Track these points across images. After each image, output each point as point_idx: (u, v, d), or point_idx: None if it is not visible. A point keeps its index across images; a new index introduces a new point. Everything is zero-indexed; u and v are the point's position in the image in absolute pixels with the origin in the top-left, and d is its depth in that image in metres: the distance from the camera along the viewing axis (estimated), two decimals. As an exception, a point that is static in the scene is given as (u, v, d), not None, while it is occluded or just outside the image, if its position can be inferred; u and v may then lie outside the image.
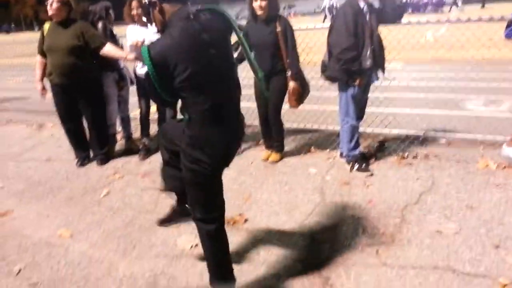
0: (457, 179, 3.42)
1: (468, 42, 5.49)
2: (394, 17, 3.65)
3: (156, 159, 4.20)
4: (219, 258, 2.19)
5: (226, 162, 2.10)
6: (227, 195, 3.39)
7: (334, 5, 27.67)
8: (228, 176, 3.80)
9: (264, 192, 3.48)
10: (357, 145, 3.79)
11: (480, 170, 3.55)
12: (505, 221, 2.77)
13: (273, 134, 4.06)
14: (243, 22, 3.97)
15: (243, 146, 4.47)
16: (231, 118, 2.05)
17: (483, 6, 30.99)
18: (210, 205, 2.10)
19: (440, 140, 4.30)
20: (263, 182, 3.66)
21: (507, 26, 3.05)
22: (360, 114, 3.80)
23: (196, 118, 1.93)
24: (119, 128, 4.78)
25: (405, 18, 3.88)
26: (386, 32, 3.66)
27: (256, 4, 3.66)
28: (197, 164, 1.95)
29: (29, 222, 3.26)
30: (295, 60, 3.76)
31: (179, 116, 2.14)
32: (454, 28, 4.41)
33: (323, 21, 23.68)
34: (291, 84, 3.75)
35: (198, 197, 2.08)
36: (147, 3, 1.92)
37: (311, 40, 5.09)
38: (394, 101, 5.74)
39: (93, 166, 4.33)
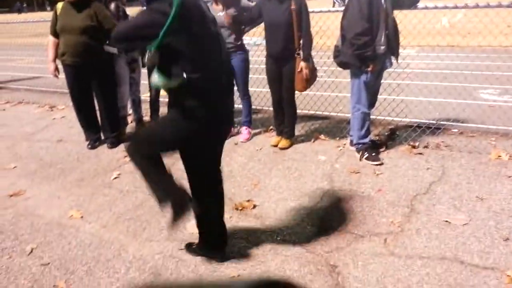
0: (468, 169, 3.39)
1: (486, 29, 5.36)
2: (411, 1, 3.56)
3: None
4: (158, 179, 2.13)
5: (220, 127, 2.18)
6: (236, 180, 3.45)
7: None
8: (238, 161, 3.83)
9: (273, 178, 3.48)
10: (367, 133, 3.76)
11: (492, 161, 3.51)
12: (516, 213, 2.75)
13: (286, 119, 4.05)
14: None
15: (253, 131, 4.46)
16: (224, 96, 2.16)
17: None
18: (207, 178, 2.24)
19: (452, 129, 4.24)
20: (272, 168, 3.66)
21: None
22: (372, 101, 3.76)
23: (194, 77, 1.92)
24: (130, 110, 4.80)
25: (421, 3, 3.78)
26: (401, 16, 3.58)
27: None
28: (194, 115, 2.00)
29: (41, 202, 3.32)
30: (309, 42, 3.71)
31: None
32: (472, 14, 4.28)
33: (333, 5, 23.40)
34: (303, 65, 3.71)
35: (164, 139, 2.10)
36: None
37: (325, 23, 5.01)
38: (407, 88, 5.66)
39: (103, 148, 4.37)
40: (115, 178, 3.65)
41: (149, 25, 1.86)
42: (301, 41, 3.67)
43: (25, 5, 60.04)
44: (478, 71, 6.64)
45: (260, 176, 3.54)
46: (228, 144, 4.25)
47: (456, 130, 4.22)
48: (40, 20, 7.10)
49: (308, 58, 3.72)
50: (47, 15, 4.50)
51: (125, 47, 3.77)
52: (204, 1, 2.12)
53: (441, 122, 4.41)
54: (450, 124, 4.36)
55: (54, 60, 4.23)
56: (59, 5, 4.07)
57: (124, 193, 3.39)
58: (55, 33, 4.10)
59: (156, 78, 1.92)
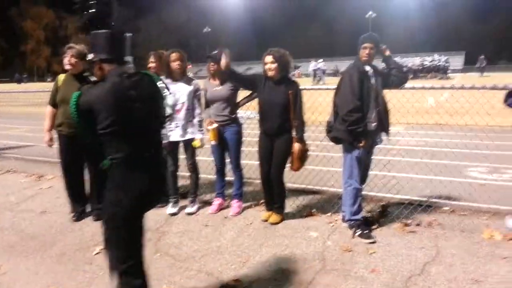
0: (462, 249, 3.31)
1: (472, 109, 5.57)
2: (399, 81, 3.74)
3: (151, 218, 4.13)
4: None
5: (145, 207, 2.27)
6: (224, 257, 3.32)
7: (321, 68, 29.11)
8: (227, 236, 3.72)
9: (263, 255, 3.36)
10: (359, 209, 3.72)
11: (486, 241, 3.43)
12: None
13: (275, 195, 4.01)
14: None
15: (244, 205, 4.40)
16: (152, 168, 2.26)
17: (482, 74, 32.04)
18: (132, 250, 2.20)
19: (444, 207, 4.21)
20: (262, 245, 3.55)
21: (508, 95, 3.09)
22: (363, 176, 3.78)
23: (117, 162, 2.14)
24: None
25: (409, 83, 3.96)
26: (390, 95, 3.73)
27: (266, 67, 3.78)
28: (117, 206, 2.13)
29: (18, 278, 3.13)
30: (302, 123, 3.80)
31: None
32: (458, 94, 4.48)
33: (312, 83, 24.79)
34: (297, 146, 3.76)
35: (119, 243, 2.18)
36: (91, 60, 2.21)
37: (317, 99, 5.19)
38: (397, 165, 5.72)
39: (88, 220, 4.24)
40: (97, 253, 3.49)
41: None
42: (295, 123, 3.77)
43: (25, 75, 61.89)
44: (466, 149, 6.78)
45: (250, 252, 3.41)
46: (218, 218, 4.17)
47: (447, 208, 4.18)
48: (39, 90, 7.28)
49: (302, 139, 3.80)
50: (47, 85, 4.62)
51: None
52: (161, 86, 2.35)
53: (433, 200, 4.40)
54: (441, 202, 4.34)
55: (50, 130, 4.27)
56: (61, 77, 4.19)
57: (104, 270, 3.21)
58: (54, 103, 4.18)
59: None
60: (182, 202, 4.44)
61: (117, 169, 2.16)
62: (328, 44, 54.05)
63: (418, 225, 3.80)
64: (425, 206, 4.16)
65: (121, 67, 2.20)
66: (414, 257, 3.22)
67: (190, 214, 4.29)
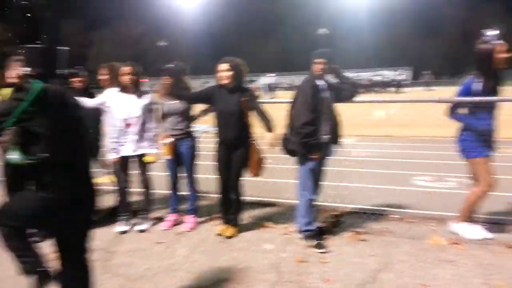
0: (411, 256, 3.43)
1: (421, 121, 5.86)
2: (350, 95, 3.87)
3: (99, 237, 3.97)
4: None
5: (74, 212, 2.20)
6: (178, 274, 3.23)
7: (271, 83, 29.83)
8: (181, 253, 3.63)
9: (218, 271, 3.30)
10: (313, 220, 3.77)
11: (433, 247, 3.58)
12: (459, 300, 2.75)
13: (231, 207, 3.99)
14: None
15: (198, 220, 4.33)
16: (79, 177, 2.25)
17: (428, 88, 33.94)
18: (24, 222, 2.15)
19: (393, 215, 4.36)
20: (217, 260, 3.49)
21: (453, 108, 3.32)
22: (317, 188, 3.84)
23: (50, 156, 2.07)
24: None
25: (362, 97, 4.11)
26: (341, 108, 3.84)
27: (221, 75, 3.79)
28: (45, 202, 2.10)
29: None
30: (269, 119, 3.83)
31: None
32: (405, 108, 4.72)
33: (266, 97, 25.41)
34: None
35: (22, 213, 2.13)
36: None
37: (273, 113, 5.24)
38: (349, 175, 5.88)
39: None
40: None
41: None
42: (252, 128, 3.81)
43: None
44: (414, 159, 7.11)
45: (204, 268, 3.34)
46: (171, 234, 4.07)
47: (397, 216, 4.33)
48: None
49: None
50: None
51: None
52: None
53: (383, 208, 4.55)
54: (391, 210, 4.49)
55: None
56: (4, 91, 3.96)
57: None
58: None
59: (15, 155, 2.11)
60: (135, 219, 4.30)
61: (42, 170, 2.12)
62: (284, 59, 55.14)
63: (369, 233, 3.90)
64: (376, 215, 4.29)
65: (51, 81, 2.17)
66: (366, 265, 3.30)
67: (141, 231, 4.16)
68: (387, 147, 8.58)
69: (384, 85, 33.95)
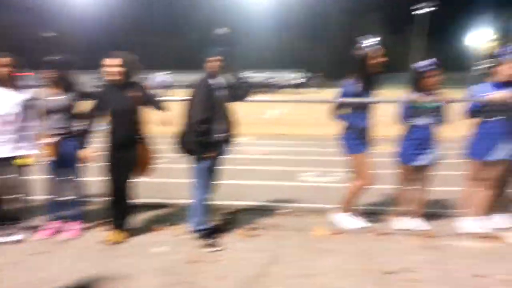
0: (298, 248, 3.65)
1: (311, 120, 6.25)
2: (244, 94, 3.94)
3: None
4: None
5: None
6: (59, 286, 2.96)
7: (166, 80, 29.55)
8: (63, 263, 3.34)
9: (104, 280, 3.11)
10: (206, 219, 3.78)
11: (317, 238, 3.86)
12: (342, 286, 3.00)
13: (120, 211, 3.79)
14: None
15: (83, 226, 4.02)
16: None
17: (320, 90, 36.48)
18: None
19: (283, 210, 4.59)
20: (103, 268, 3.28)
21: (336, 108, 3.65)
22: (211, 187, 3.85)
23: None
24: None
25: (253, 97, 4.20)
26: (236, 108, 3.90)
27: (109, 70, 3.58)
28: None
29: None
30: (160, 104, 3.79)
31: None
32: (299, 108, 5.00)
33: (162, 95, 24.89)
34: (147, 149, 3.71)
35: None
36: None
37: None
38: (242, 173, 6.02)
39: None
40: None
41: None
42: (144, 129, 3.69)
43: None
44: (302, 156, 7.56)
45: (89, 278, 3.12)
46: (52, 243, 3.72)
47: (286, 211, 4.57)
48: None
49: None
50: None
51: None
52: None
53: (274, 204, 4.76)
54: (281, 206, 4.72)
55: None
56: None
57: None
58: None
59: None
60: (10, 229, 3.83)
61: None
62: (184, 57, 54.22)
63: (261, 228, 4.05)
64: (268, 211, 4.47)
65: None
66: (258, 260, 3.42)
67: (16, 241, 3.72)
68: (279, 145, 9.00)
69: (282, 86, 35.95)
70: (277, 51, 52.38)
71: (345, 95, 3.95)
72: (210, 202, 3.91)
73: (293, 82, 38.08)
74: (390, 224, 4.14)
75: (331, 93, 4.35)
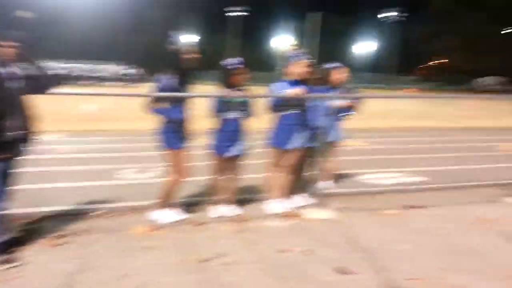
0: (112, 250, 3.45)
1: (129, 115, 5.96)
2: (46, 86, 3.45)
3: None
4: None
5: None
6: None
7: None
8: None
9: None
10: (4, 231, 3.26)
11: (136, 236, 3.73)
12: (161, 281, 2.98)
13: None
14: None
15: None
16: None
17: (131, 84, 35.59)
18: None
19: (98, 212, 4.29)
20: None
21: (152, 102, 3.54)
22: (7, 193, 3.29)
23: None
24: None
25: (62, 89, 3.74)
26: (39, 101, 3.40)
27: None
28: None
29: None
30: None
31: None
32: (118, 102, 4.68)
33: None
34: None
35: None
36: None
37: None
38: (49, 176, 5.39)
39: None
40: None
41: None
42: None
43: None
44: (119, 153, 7.21)
45: None
46: None
47: (102, 212, 4.28)
48: None
49: None
50: None
51: None
52: None
53: (87, 206, 4.40)
54: (94, 207, 4.39)
55: None
56: None
57: None
58: None
59: None
60: None
61: None
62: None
63: (70, 235, 3.68)
64: (79, 215, 4.10)
65: None
66: (64, 269, 3.08)
67: None
68: (95, 142, 8.37)
69: (104, 79, 34.40)
70: (100, 43, 48.90)
71: (161, 89, 3.92)
72: (6, 212, 3.34)
73: (115, 75, 36.58)
74: (207, 213, 4.33)
75: (146, 87, 4.27)
